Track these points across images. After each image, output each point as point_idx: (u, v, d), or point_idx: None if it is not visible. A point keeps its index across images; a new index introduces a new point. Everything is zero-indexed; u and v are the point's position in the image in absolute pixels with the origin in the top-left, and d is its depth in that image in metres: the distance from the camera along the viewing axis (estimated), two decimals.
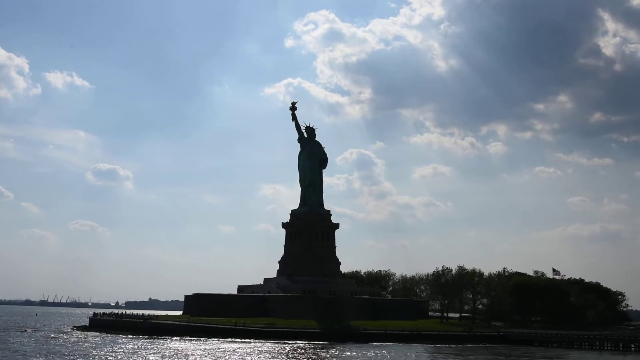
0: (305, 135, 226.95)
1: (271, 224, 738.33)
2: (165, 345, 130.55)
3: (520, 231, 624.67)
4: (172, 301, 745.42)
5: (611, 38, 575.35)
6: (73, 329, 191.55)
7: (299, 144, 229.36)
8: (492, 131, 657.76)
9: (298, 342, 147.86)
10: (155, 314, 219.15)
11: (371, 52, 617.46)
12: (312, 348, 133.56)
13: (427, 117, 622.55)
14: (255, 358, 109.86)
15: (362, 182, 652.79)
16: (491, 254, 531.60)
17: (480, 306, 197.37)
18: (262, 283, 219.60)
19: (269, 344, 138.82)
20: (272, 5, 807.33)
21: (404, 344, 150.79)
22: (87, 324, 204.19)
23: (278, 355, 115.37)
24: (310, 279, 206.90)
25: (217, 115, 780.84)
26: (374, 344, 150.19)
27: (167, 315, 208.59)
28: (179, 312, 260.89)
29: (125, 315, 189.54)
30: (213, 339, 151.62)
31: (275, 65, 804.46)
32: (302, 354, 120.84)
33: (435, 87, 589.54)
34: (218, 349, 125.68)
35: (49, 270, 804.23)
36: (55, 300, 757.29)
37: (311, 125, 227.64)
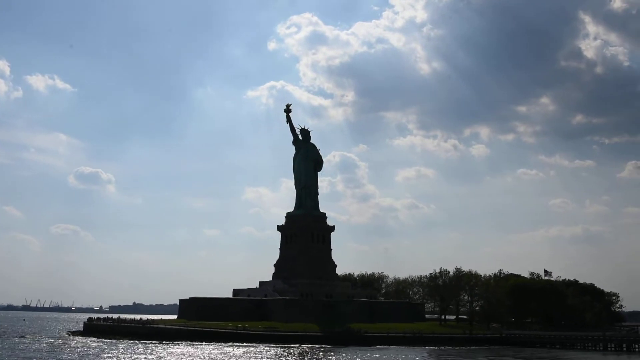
0: (300, 137, 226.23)
1: (255, 227, 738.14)
2: (171, 350, 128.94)
3: (502, 233, 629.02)
4: (156, 305, 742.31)
5: (592, 41, 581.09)
6: (69, 335, 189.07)
7: (293, 147, 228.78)
8: (474, 133, 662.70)
9: (302, 345, 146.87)
10: (153, 318, 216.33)
11: (354, 55, 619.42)
12: (317, 352, 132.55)
13: (410, 119, 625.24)
14: None
15: (345, 185, 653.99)
16: (474, 255, 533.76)
17: (477, 308, 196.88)
18: (257, 286, 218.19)
19: (274, 348, 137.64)
20: (255, 8, 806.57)
21: (406, 347, 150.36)
22: (82, 329, 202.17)
23: None
24: (306, 281, 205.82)
25: (200, 118, 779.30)
26: (377, 347, 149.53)
27: (161, 320, 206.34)
28: (169, 316, 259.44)
29: (123, 320, 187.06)
30: (214, 343, 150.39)
31: (258, 68, 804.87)
32: (310, 358, 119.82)
33: (418, 89, 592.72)
34: (223, 353, 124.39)
35: (31, 274, 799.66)
36: (38, 305, 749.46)
37: (306, 128, 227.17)
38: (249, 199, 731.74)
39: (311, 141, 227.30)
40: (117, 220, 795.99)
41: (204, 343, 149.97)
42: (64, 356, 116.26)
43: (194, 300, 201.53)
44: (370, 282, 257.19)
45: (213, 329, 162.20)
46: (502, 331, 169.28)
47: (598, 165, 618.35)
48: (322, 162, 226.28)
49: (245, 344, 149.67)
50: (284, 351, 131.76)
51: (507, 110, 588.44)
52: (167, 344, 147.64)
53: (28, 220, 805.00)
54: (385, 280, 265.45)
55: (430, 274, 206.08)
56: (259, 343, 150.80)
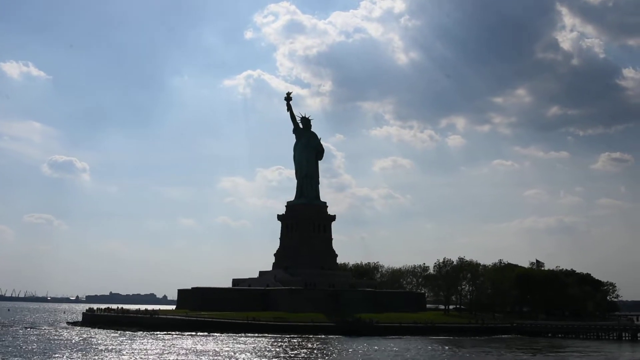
0: (301, 125, 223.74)
1: (230, 217, 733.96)
2: (191, 342, 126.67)
3: (478, 223, 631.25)
4: (133, 295, 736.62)
5: (569, 33, 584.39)
6: (70, 325, 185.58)
7: (294, 135, 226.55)
8: (451, 124, 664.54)
9: (318, 336, 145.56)
10: (154, 308, 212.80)
11: (332, 44, 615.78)
12: (336, 342, 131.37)
13: (387, 109, 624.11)
14: (304, 353, 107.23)
15: (321, 174, 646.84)
16: (449, 246, 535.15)
17: (478, 297, 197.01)
18: (257, 276, 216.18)
19: (295, 339, 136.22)
20: None
21: (421, 337, 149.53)
22: (81, 320, 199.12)
23: (314, 352, 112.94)
24: (309, 271, 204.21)
25: (176, 107, 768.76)
26: (391, 337, 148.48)
27: (160, 310, 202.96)
28: (165, 306, 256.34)
29: (126, 310, 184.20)
30: (225, 334, 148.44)
31: (235, 57, 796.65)
32: (335, 348, 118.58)
33: (396, 80, 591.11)
34: (246, 343, 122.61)
35: (4, 264, 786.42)
36: (13, 295, 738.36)
37: (307, 116, 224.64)
38: (224, 188, 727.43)
39: (301, 130, 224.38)
40: (91, 209, 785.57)
41: (215, 334, 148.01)
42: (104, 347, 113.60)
43: (196, 290, 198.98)
44: (366, 272, 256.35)
45: (223, 319, 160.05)
46: (514, 321, 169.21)
47: (572, 157, 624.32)
48: (323, 150, 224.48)
49: (257, 334, 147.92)
50: (304, 341, 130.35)
51: (484, 101, 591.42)
52: (178, 335, 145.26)
53: (1, 209, 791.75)
54: (380, 270, 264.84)
55: (435, 263, 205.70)
56: (271, 333, 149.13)
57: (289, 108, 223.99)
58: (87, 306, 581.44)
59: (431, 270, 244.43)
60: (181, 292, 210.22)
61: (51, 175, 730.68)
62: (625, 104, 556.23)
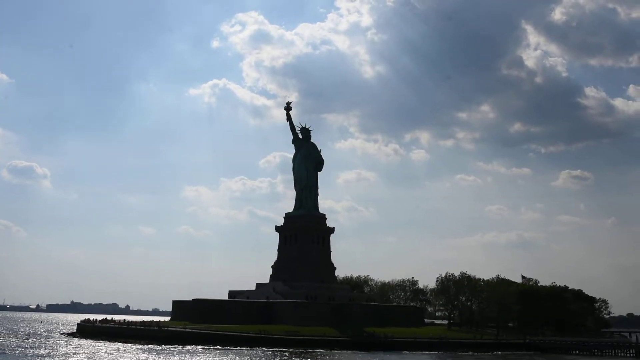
0: (301, 136, 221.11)
1: (192, 226, 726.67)
2: (215, 356, 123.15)
3: (439, 238, 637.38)
4: (95, 304, 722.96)
5: (533, 51, 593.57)
6: (68, 337, 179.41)
7: (293, 145, 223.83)
8: (415, 138, 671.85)
9: (336, 350, 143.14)
10: (152, 320, 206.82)
11: (299, 55, 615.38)
12: (356, 356, 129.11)
13: (352, 122, 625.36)
14: None
15: (285, 186, 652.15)
16: (410, 259, 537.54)
17: (486, 312, 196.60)
18: (254, 288, 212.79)
19: (318, 354, 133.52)
20: (201, 3, 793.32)
21: (438, 352, 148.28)
22: (75, 330, 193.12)
23: None
24: (309, 284, 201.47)
25: (140, 114, 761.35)
26: (405, 352, 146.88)
27: (153, 322, 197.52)
28: (159, 318, 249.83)
29: (129, 322, 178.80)
30: (238, 347, 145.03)
31: (201, 66, 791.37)
32: None
33: (361, 93, 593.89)
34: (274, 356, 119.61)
35: None
36: None
37: (307, 126, 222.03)
38: (187, 197, 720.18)
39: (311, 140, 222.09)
40: (51, 215, 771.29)
41: (228, 347, 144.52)
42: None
43: (196, 302, 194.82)
44: (357, 285, 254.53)
45: (235, 332, 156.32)
46: (523, 337, 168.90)
47: (534, 173, 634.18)
48: (322, 161, 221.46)
49: (272, 348, 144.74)
50: (328, 356, 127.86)
51: (448, 116, 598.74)
52: (190, 348, 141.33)
53: None
54: (370, 283, 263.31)
55: (437, 278, 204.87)
56: (285, 347, 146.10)
57: (289, 118, 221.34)
58: (48, 315, 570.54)
59: (420, 285, 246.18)
60: (178, 304, 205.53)
61: (10, 181, 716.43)
62: (586, 123, 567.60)
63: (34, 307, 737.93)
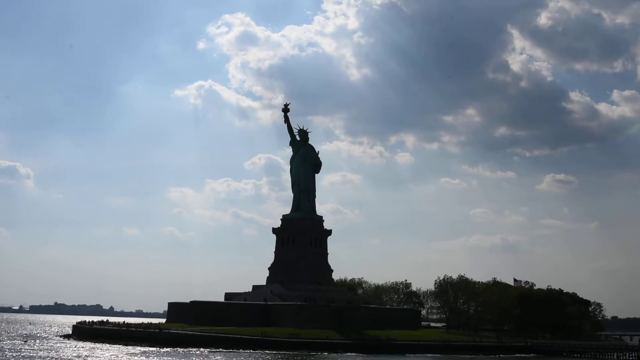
0: (298, 138, 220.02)
1: (177, 227, 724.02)
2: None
3: (424, 241, 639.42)
4: (79, 305, 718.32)
5: (518, 55, 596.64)
6: (66, 339, 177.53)
7: (290, 147, 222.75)
8: (400, 141, 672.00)
9: (342, 353, 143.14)
10: (150, 322, 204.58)
11: (285, 57, 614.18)
12: None
13: (338, 125, 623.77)
14: None
15: (270, 188, 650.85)
16: (395, 262, 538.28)
17: (489, 316, 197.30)
18: (250, 290, 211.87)
19: (318, 356, 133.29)
20: (187, 4, 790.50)
21: (442, 356, 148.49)
22: (71, 332, 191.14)
23: None
24: (307, 286, 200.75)
25: (126, 115, 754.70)
26: (410, 355, 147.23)
27: (150, 324, 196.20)
28: (155, 320, 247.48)
29: (128, 324, 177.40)
30: (240, 350, 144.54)
31: (187, 67, 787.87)
32: None
33: (347, 95, 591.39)
34: None
35: None
36: None
37: (305, 128, 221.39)
38: (172, 199, 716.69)
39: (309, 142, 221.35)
40: (35, 216, 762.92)
41: (231, 350, 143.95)
42: None
43: (194, 304, 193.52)
44: (351, 287, 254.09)
45: (238, 335, 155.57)
46: (525, 340, 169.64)
47: (518, 177, 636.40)
48: (320, 163, 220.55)
49: (274, 351, 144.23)
50: None
51: (434, 119, 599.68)
52: (196, 350, 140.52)
53: None
54: (363, 286, 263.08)
55: (436, 281, 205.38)
56: (289, 350, 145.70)
57: (287, 120, 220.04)
58: (32, 316, 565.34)
59: (413, 287, 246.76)
60: (174, 306, 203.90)
61: None
62: (571, 127, 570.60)
63: (17, 308, 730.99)
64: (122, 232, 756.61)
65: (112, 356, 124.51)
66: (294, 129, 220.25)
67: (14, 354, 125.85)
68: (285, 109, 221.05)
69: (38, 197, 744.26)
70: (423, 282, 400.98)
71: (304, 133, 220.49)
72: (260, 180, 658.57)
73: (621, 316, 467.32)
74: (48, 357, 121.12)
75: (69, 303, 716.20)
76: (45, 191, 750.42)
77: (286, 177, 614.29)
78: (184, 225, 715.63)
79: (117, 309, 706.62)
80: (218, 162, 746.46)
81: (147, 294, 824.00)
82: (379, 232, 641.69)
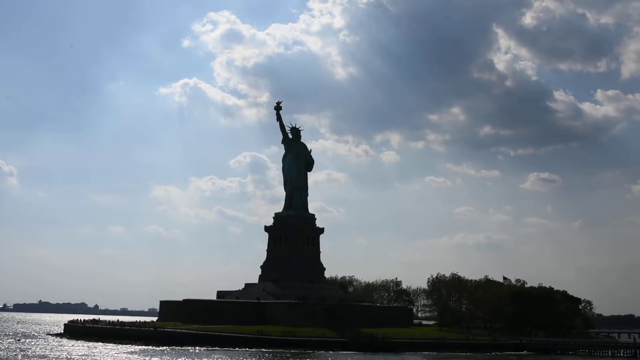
0: (290, 136, 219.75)
1: (162, 225, 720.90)
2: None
3: (408, 239, 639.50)
4: (63, 304, 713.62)
5: (503, 54, 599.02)
6: (56, 337, 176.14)
7: (282, 145, 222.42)
8: (385, 140, 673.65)
9: (334, 350, 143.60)
10: (143, 320, 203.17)
11: (270, 55, 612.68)
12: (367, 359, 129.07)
13: (323, 123, 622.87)
14: None
15: (255, 186, 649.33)
16: (380, 261, 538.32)
17: (481, 314, 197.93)
18: (242, 288, 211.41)
19: (315, 354, 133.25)
20: (173, 2, 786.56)
21: (437, 353, 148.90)
22: (63, 331, 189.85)
23: None
24: (300, 285, 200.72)
25: (111, 112, 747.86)
26: (406, 353, 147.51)
27: (151, 322, 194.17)
28: (145, 318, 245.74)
29: (122, 323, 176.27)
30: (237, 349, 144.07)
31: (172, 65, 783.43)
32: None
33: (333, 94, 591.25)
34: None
35: None
36: None
37: (297, 126, 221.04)
38: (157, 197, 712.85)
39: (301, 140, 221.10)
40: (18, 214, 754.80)
41: (226, 348, 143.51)
42: None
43: (186, 302, 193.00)
44: (342, 285, 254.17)
45: (234, 333, 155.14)
46: (522, 338, 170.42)
47: (503, 176, 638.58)
48: (313, 162, 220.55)
49: (271, 349, 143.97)
50: (335, 358, 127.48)
51: (419, 118, 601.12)
52: (194, 350, 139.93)
53: None
54: (354, 284, 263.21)
55: (428, 279, 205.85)
56: (285, 349, 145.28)
57: (279, 118, 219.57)
58: (16, 315, 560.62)
59: (403, 286, 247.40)
60: (166, 304, 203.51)
61: None
62: (555, 126, 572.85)
63: (1, 306, 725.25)
64: (106, 230, 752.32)
65: (113, 355, 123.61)
66: (286, 127, 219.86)
67: (13, 354, 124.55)
68: (278, 107, 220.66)
69: (22, 195, 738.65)
70: (409, 280, 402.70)
71: (296, 131, 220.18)
72: (245, 178, 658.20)
73: (605, 314, 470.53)
74: (49, 356, 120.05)
75: (53, 301, 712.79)
76: (30, 189, 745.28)
77: (271, 175, 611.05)
78: (168, 224, 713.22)
79: (102, 307, 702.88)
80: (203, 160, 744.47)
81: (131, 292, 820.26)
82: (365, 230, 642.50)
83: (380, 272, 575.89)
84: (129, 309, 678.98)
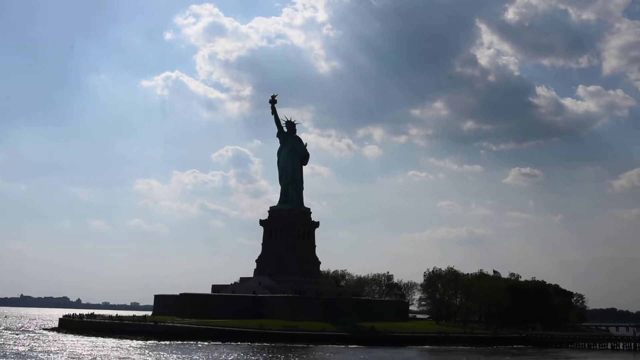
0: (286, 129, 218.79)
1: (143, 219, 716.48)
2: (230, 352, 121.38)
3: (391, 233, 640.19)
4: (45, 298, 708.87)
5: (486, 49, 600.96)
6: (50, 331, 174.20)
7: (277, 139, 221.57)
8: (368, 134, 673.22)
9: (336, 344, 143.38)
10: (139, 314, 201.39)
11: (253, 48, 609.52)
12: (373, 352, 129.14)
13: (306, 117, 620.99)
14: None
15: (237, 180, 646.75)
16: (362, 254, 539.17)
17: (476, 308, 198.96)
18: (237, 282, 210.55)
19: (319, 347, 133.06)
20: None
21: (439, 347, 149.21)
22: (57, 325, 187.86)
23: None
24: (295, 279, 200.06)
25: (91, 105, 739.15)
26: (409, 347, 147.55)
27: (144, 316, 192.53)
28: (141, 312, 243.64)
29: (121, 317, 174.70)
30: (240, 342, 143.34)
31: (154, 58, 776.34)
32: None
33: (316, 88, 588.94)
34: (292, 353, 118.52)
35: None
36: None
37: (292, 120, 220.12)
38: (139, 191, 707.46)
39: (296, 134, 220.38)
40: None
41: (229, 342, 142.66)
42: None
43: (183, 297, 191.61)
44: (335, 279, 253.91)
45: (235, 327, 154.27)
46: (521, 332, 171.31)
47: (485, 170, 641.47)
48: (308, 155, 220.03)
49: (273, 343, 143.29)
50: (338, 353, 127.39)
51: (402, 112, 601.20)
52: (195, 344, 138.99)
53: None
54: (346, 277, 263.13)
55: (425, 273, 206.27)
56: (286, 343, 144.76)
57: (274, 111, 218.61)
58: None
59: (394, 279, 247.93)
60: (162, 298, 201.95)
61: None
62: (537, 121, 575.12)
63: None
64: (88, 224, 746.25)
65: (115, 349, 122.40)
66: (281, 121, 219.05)
67: (27, 348, 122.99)
68: (273, 101, 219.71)
69: (2, 188, 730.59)
70: (394, 272, 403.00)
71: (291, 125, 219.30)
72: (227, 172, 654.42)
73: (589, 307, 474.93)
74: (54, 350, 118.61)
75: (35, 295, 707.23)
76: (9, 182, 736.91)
77: (254, 169, 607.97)
78: (150, 217, 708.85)
79: (84, 301, 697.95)
80: (185, 154, 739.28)
81: (113, 286, 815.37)
82: (347, 224, 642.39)
83: (364, 266, 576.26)
84: (111, 303, 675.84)
